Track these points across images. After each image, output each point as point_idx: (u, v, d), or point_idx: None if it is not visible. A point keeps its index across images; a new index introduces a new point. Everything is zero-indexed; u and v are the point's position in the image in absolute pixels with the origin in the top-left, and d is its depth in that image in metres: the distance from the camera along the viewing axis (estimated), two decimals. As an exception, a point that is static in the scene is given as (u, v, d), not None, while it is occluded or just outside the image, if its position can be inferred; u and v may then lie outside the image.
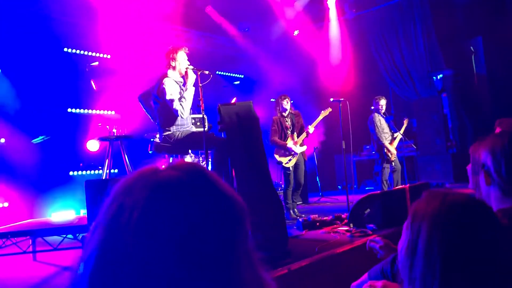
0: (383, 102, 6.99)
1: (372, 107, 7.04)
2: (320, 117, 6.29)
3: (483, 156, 1.50)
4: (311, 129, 6.12)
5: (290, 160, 6.02)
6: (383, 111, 6.98)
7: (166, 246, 0.58)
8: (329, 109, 6.36)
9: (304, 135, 6.12)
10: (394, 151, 6.88)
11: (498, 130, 1.55)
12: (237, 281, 0.61)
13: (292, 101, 6.33)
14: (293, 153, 6.02)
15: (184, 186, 0.63)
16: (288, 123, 6.12)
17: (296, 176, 6.09)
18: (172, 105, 4.06)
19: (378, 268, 1.69)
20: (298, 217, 5.47)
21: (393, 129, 7.12)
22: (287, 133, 6.07)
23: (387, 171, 6.95)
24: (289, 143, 6.03)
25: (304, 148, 6.15)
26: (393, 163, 6.91)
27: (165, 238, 0.58)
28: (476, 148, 1.54)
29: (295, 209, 6.06)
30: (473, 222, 0.97)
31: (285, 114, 6.13)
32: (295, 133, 6.14)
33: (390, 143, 6.94)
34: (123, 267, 0.58)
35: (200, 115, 4.18)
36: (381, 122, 6.93)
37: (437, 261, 0.94)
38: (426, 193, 1.05)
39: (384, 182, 6.90)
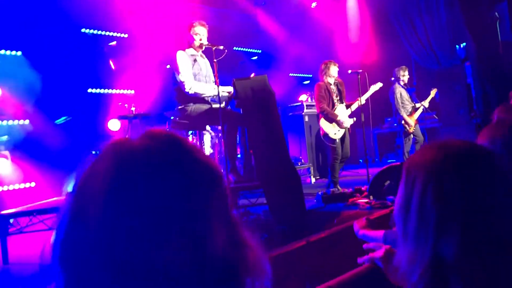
0: (403, 73, 6.84)
1: (393, 78, 6.92)
2: (371, 91, 6.03)
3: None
4: (363, 100, 5.87)
5: (338, 131, 5.84)
6: (404, 82, 6.85)
7: (136, 214, 0.58)
8: (380, 84, 6.13)
9: (356, 105, 5.90)
10: (412, 123, 6.77)
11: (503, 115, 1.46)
12: (212, 249, 0.61)
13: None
14: (342, 123, 5.82)
15: (156, 154, 0.64)
16: (335, 91, 5.90)
17: (344, 148, 5.93)
18: (182, 83, 4.09)
19: (395, 235, 1.65)
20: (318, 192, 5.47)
21: (415, 100, 6.99)
22: (334, 102, 5.84)
23: (409, 143, 6.87)
24: (339, 113, 5.82)
25: (353, 120, 5.97)
26: (414, 135, 6.81)
27: (135, 206, 0.59)
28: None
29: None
30: (471, 169, 0.90)
31: (331, 81, 5.88)
32: (343, 102, 5.94)
33: (411, 114, 6.83)
34: (92, 235, 0.58)
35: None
36: (401, 94, 6.81)
37: (431, 214, 0.88)
38: (422, 147, 1.00)
39: (406, 154, 6.82)
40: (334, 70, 5.84)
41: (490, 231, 0.86)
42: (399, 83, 6.84)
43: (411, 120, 6.77)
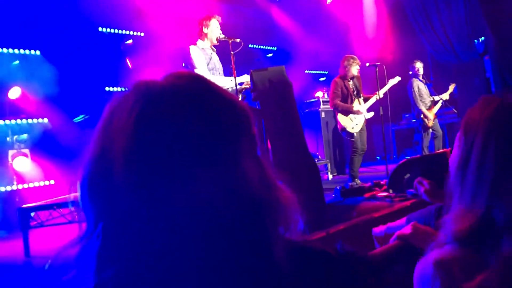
0: (419, 65, 6.77)
1: (410, 72, 6.84)
2: (389, 85, 5.98)
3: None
4: (381, 94, 5.82)
5: (356, 125, 5.80)
6: (421, 75, 6.77)
7: (162, 150, 0.57)
8: (398, 78, 6.08)
9: (373, 99, 5.86)
10: (431, 117, 6.68)
11: None
12: (244, 186, 0.60)
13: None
14: (360, 117, 5.80)
15: (182, 91, 0.62)
16: (352, 87, 5.86)
17: (362, 141, 5.87)
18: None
19: (420, 217, 1.62)
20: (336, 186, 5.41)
21: (433, 94, 6.90)
22: (353, 98, 5.81)
23: (427, 138, 6.77)
24: (357, 106, 5.78)
25: (372, 114, 5.91)
26: (433, 129, 6.72)
27: (161, 141, 0.57)
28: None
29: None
30: None
31: (349, 78, 5.85)
32: (361, 97, 5.90)
33: (430, 108, 6.74)
34: (119, 170, 0.57)
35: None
36: (419, 88, 6.73)
37: (490, 173, 0.85)
38: (480, 99, 0.94)
39: (425, 149, 6.73)
40: (355, 69, 5.83)
41: None
42: (417, 77, 6.77)
43: (430, 114, 6.67)
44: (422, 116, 6.66)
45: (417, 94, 6.69)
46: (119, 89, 7.09)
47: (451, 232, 0.88)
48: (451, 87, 7.03)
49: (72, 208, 4.08)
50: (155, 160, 0.57)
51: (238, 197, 0.59)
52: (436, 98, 6.84)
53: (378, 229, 1.87)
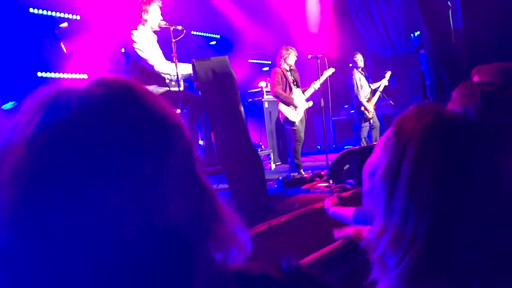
0: (359, 57, 6.96)
1: (351, 65, 7.01)
2: (324, 76, 6.06)
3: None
4: (317, 85, 5.92)
5: (297, 114, 5.83)
6: (361, 67, 6.96)
7: (67, 174, 0.47)
8: (332, 69, 6.18)
9: (312, 89, 5.93)
10: (371, 109, 6.89)
11: (476, 78, 1.43)
12: (164, 213, 0.51)
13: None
14: (300, 107, 5.85)
15: (99, 102, 0.52)
16: (291, 78, 5.92)
17: (303, 130, 5.94)
18: (145, 61, 3.93)
19: (367, 215, 1.61)
20: (279, 177, 5.46)
21: (371, 82, 7.12)
22: (291, 86, 5.87)
23: (365, 129, 6.99)
24: (296, 97, 5.84)
25: (311, 103, 5.98)
26: (371, 120, 6.94)
27: (66, 165, 0.47)
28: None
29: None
30: (473, 143, 0.81)
31: (287, 68, 5.90)
32: (299, 87, 5.97)
33: (369, 100, 6.95)
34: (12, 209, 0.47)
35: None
36: (360, 79, 6.91)
37: (426, 190, 0.78)
38: (414, 107, 0.88)
39: (363, 139, 6.94)
40: (293, 59, 5.90)
41: (497, 214, 0.78)
42: (357, 69, 6.94)
43: (370, 106, 6.88)
44: (362, 108, 6.85)
45: (358, 86, 6.87)
46: (52, 74, 6.72)
47: (393, 275, 0.79)
48: (387, 75, 7.30)
49: None
50: (45, 180, 0.47)
51: (155, 226, 0.50)
52: (375, 85, 7.07)
53: (327, 205, 1.89)
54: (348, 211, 1.73)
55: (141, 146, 0.51)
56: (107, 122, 0.50)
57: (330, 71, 6.17)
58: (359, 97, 6.86)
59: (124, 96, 0.54)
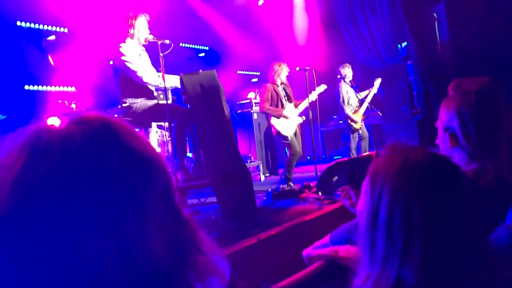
0: (347, 70, 7.01)
1: (338, 76, 7.05)
2: (316, 93, 6.07)
3: (447, 118, 1.37)
4: (310, 99, 5.90)
5: (290, 128, 5.83)
6: (349, 79, 7.00)
7: (49, 213, 0.48)
8: (324, 86, 6.20)
9: (305, 103, 5.92)
10: (359, 120, 6.93)
11: (451, 93, 1.43)
12: (144, 253, 0.52)
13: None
14: (292, 120, 5.85)
15: (80, 142, 0.53)
16: (282, 93, 5.91)
17: (298, 144, 5.93)
18: (134, 73, 3.92)
19: (343, 234, 1.60)
20: (268, 189, 5.45)
21: (359, 92, 7.19)
22: (283, 102, 5.86)
23: (354, 139, 7.02)
24: (288, 111, 5.83)
25: (303, 119, 5.99)
26: (360, 131, 6.97)
27: (49, 204, 0.48)
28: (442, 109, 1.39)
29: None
30: (438, 188, 0.83)
31: (278, 83, 5.91)
32: (292, 102, 5.97)
33: (356, 111, 6.99)
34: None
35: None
36: (347, 91, 6.95)
37: (398, 234, 0.80)
38: (386, 148, 0.90)
39: (352, 150, 6.96)
40: (284, 74, 5.92)
41: (452, 255, 0.81)
42: (344, 81, 6.98)
43: (357, 117, 6.92)
44: (349, 120, 6.89)
45: (345, 98, 6.91)
46: (40, 87, 6.68)
47: None
48: (377, 82, 7.37)
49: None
50: (29, 221, 0.48)
51: (135, 260, 0.51)
52: (364, 93, 7.13)
53: (307, 251, 1.86)
54: (323, 240, 1.72)
55: (122, 184, 0.52)
56: (87, 163, 0.51)
57: (322, 87, 6.18)
58: (344, 109, 6.90)
59: (104, 136, 0.55)
